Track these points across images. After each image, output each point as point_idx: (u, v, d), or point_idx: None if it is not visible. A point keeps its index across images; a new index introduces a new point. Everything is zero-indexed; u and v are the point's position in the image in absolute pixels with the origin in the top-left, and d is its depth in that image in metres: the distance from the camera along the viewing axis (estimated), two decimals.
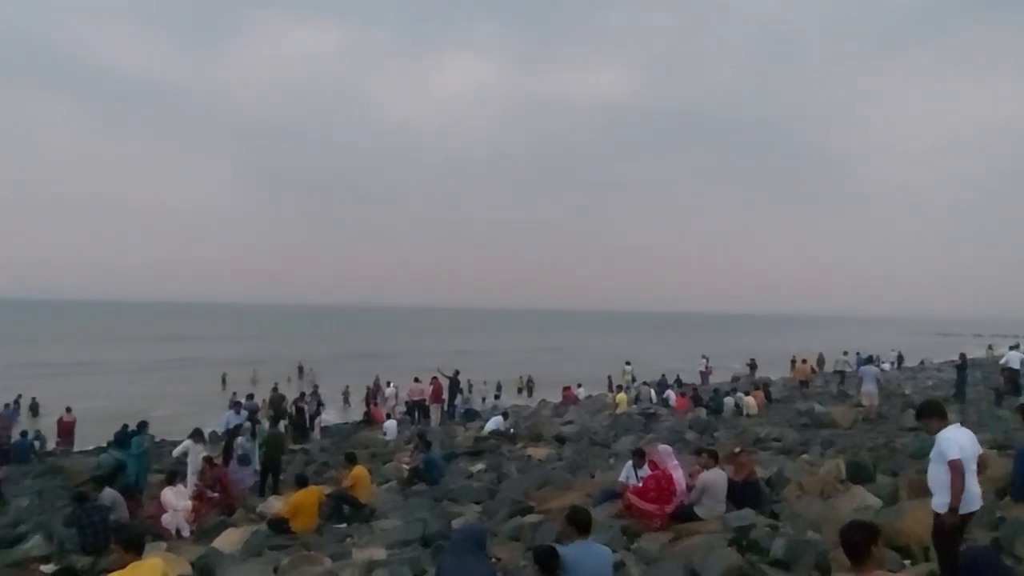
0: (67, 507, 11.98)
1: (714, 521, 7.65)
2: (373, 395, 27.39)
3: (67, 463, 17.48)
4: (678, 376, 29.54)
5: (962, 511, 5.08)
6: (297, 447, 18.23)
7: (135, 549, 4.85)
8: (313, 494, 9.68)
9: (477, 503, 10.38)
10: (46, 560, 8.96)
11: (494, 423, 18.09)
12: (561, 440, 16.34)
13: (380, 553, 7.75)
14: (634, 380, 27.34)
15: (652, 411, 20.80)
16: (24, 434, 19.63)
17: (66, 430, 21.21)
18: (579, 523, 4.82)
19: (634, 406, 22.15)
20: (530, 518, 8.77)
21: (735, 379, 33.09)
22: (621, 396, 21.89)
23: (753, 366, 36.24)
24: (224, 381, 35.76)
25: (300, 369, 39.10)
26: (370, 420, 23.70)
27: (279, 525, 9.39)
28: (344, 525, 9.77)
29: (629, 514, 8.23)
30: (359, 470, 10.56)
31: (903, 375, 32.13)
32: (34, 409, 26.54)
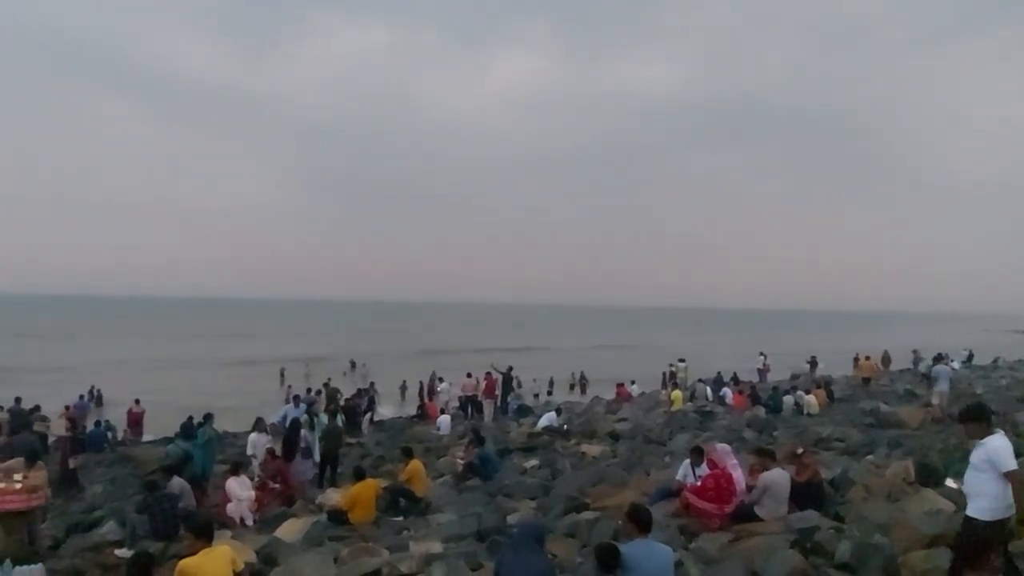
0: (138, 494, 12.49)
1: (776, 522, 7.46)
2: (428, 390, 27.71)
3: (136, 452, 18.25)
4: (735, 374, 28.90)
5: (997, 517, 4.98)
6: (352, 440, 18.56)
7: (205, 537, 5.05)
8: (370, 487, 9.84)
9: (532, 499, 10.38)
10: (119, 544, 9.35)
11: (547, 419, 18.05)
12: (615, 437, 16.21)
13: (436, 546, 7.83)
14: (673, 377, 27.00)
15: (708, 409, 20.43)
16: (98, 424, 20.54)
17: (135, 421, 22.18)
18: (640, 521, 4.76)
19: (689, 404, 21.81)
20: (585, 515, 8.73)
21: (794, 377, 32.19)
22: (676, 393, 21.57)
23: (813, 364, 35.20)
24: (283, 376, 36.72)
25: (352, 364, 39.95)
26: (424, 415, 24.00)
27: (338, 517, 9.59)
28: (400, 518, 9.90)
29: (687, 513, 8.10)
30: (415, 464, 10.68)
31: (974, 374, 30.71)
32: (98, 400, 27.69)
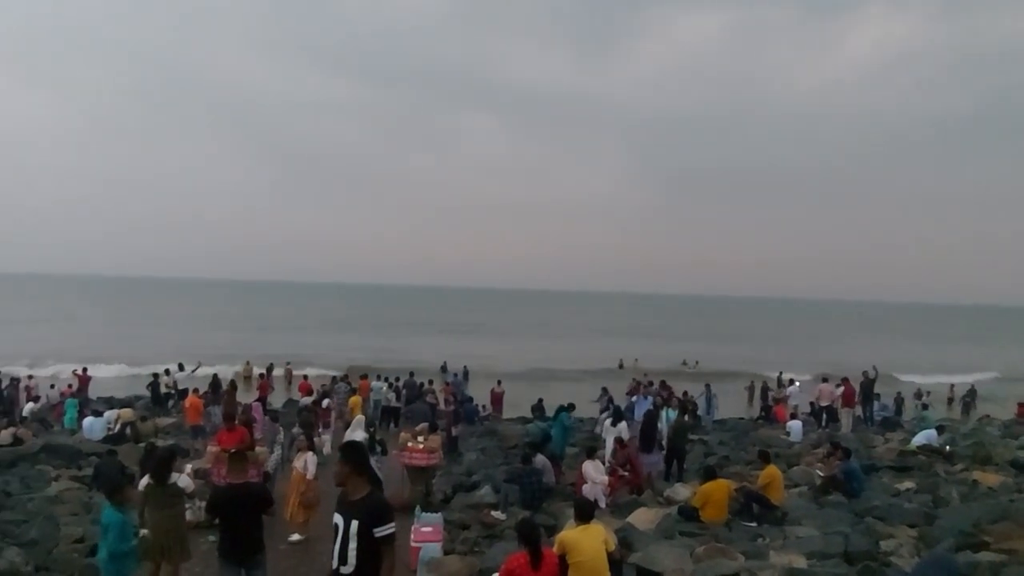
0: (503, 464, 14.04)
1: None
2: (768, 392, 26.14)
3: (499, 427, 20.56)
4: None
5: None
6: (694, 437, 18.34)
7: (585, 517, 5.44)
8: (723, 487, 9.56)
9: (911, 526, 9.05)
10: (494, 507, 10.59)
11: (925, 437, 15.59)
12: (1019, 467, 13.34)
13: (800, 561, 7.29)
14: None
15: None
16: (470, 399, 23.59)
17: (496, 400, 24.95)
18: None
19: None
20: (985, 556, 7.37)
21: None
22: None
23: None
24: (621, 366, 38.14)
25: (684, 362, 40.14)
26: (769, 418, 22.67)
27: (688, 513, 9.52)
28: (754, 524, 9.44)
29: None
30: (773, 470, 10.08)
31: None
32: (465, 376, 31.64)
